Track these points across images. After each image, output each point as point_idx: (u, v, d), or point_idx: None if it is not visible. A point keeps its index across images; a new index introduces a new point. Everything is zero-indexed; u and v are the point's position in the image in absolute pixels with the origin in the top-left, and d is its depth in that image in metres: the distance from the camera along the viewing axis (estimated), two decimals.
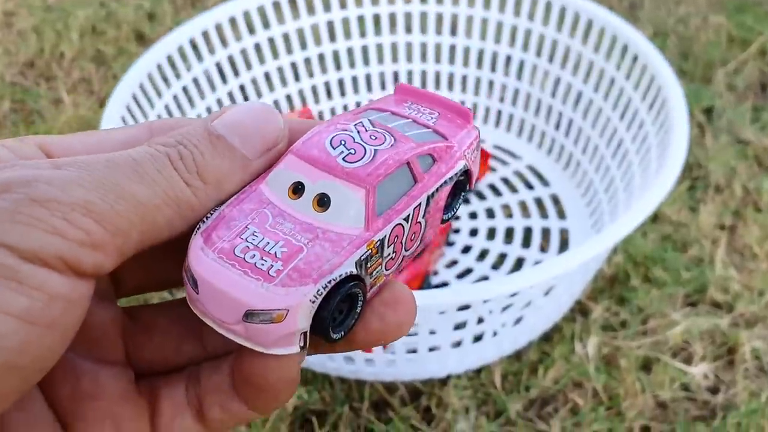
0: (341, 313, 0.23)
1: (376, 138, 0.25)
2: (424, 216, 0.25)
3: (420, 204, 0.25)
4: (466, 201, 0.89)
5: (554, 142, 0.93)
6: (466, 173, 0.27)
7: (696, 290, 0.80)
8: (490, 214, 0.88)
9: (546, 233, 0.85)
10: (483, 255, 0.83)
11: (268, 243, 0.22)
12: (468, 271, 0.82)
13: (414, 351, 0.66)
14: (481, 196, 0.90)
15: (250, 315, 0.21)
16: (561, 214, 0.87)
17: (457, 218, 0.87)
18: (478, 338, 0.67)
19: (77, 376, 0.23)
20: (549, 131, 0.93)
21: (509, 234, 0.85)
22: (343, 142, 0.24)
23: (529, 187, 0.91)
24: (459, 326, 0.63)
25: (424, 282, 0.77)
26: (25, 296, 0.17)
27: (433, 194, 0.25)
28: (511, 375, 0.72)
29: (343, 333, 0.23)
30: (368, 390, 0.71)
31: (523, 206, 0.89)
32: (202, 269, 0.22)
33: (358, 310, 0.23)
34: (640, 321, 0.76)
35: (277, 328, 0.21)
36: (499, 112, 0.97)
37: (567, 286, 0.67)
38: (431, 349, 0.66)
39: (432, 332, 0.64)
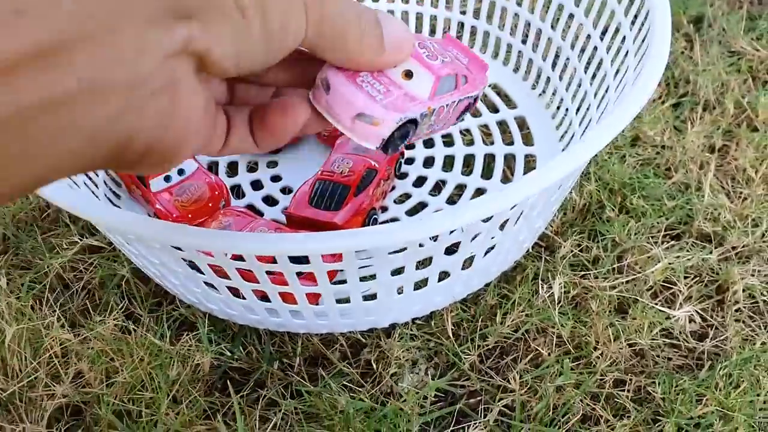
0: (399, 140, 0.39)
1: (442, 54, 0.41)
2: (453, 110, 0.42)
3: (453, 101, 0.42)
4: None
5: (521, 57, 0.81)
6: (475, 99, 0.45)
7: (681, 221, 0.70)
8: (448, 141, 0.77)
9: (510, 161, 0.75)
10: (438, 187, 0.73)
11: (375, 84, 0.36)
12: (421, 206, 0.71)
13: (347, 301, 0.56)
14: None
15: (360, 116, 0.36)
16: (527, 139, 0.76)
17: (412, 147, 0.76)
18: (422, 283, 0.57)
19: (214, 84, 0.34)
20: (515, 45, 0.81)
21: (468, 163, 0.75)
22: (425, 48, 0.40)
23: (493, 109, 0.80)
24: (397, 271, 0.53)
25: (367, 218, 0.67)
26: None
27: (460, 100, 0.42)
28: (466, 322, 0.62)
29: (392, 151, 0.39)
30: (302, 344, 0.61)
31: (486, 131, 0.78)
32: (336, 79, 0.35)
33: (406, 142, 0.40)
34: (615, 258, 0.66)
35: (372, 130, 0.37)
36: (461, 25, 0.85)
37: (527, 219, 0.57)
38: (367, 298, 0.56)
39: (365, 278, 0.54)
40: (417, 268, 0.53)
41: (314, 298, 0.56)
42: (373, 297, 0.56)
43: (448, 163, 0.75)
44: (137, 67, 0.22)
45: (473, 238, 0.53)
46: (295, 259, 0.49)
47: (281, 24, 0.26)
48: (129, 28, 0.22)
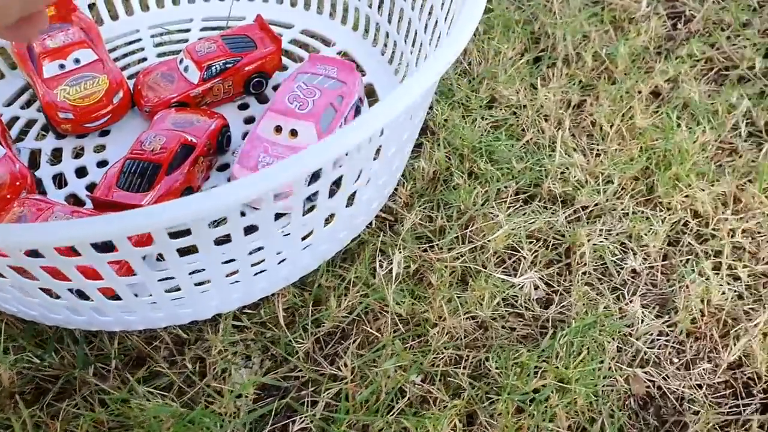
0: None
1: (311, 94, 0.63)
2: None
3: (341, 123, 0.63)
4: None
5: (369, 22, 0.76)
6: (360, 100, 0.67)
7: (531, 183, 0.66)
8: None
9: None
10: None
11: (267, 159, 0.60)
12: None
13: (150, 295, 0.51)
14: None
15: None
16: None
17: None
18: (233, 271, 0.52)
19: None
20: (362, 8, 0.76)
21: None
22: (295, 99, 0.62)
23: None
24: (186, 252, 0.48)
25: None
26: None
27: (346, 117, 0.64)
28: (300, 307, 0.58)
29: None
30: (121, 344, 0.56)
31: None
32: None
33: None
34: (460, 227, 0.62)
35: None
36: None
37: (350, 190, 0.52)
38: (170, 290, 0.51)
39: (162, 268, 0.49)
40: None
41: (111, 292, 0.51)
42: (174, 290, 0.51)
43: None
44: None
45: (282, 220, 0.48)
46: (68, 251, 0.44)
47: None
48: None
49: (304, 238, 0.53)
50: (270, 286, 0.57)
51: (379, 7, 0.74)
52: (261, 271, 0.53)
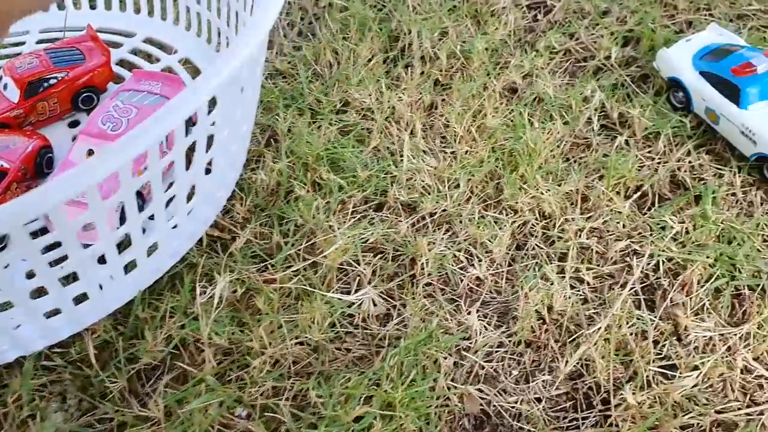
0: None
1: (126, 112, 0.59)
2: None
3: (162, 141, 0.56)
4: None
5: (210, 26, 0.72)
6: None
7: (378, 192, 0.62)
8: None
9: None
10: None
11: None
12: None
13: None
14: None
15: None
16: None
17: None
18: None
19: None
20: (204, 13, 0.72)
21: None
22: (108, 120, 0.58)
23: None
24: None
25: None
26: None
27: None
28: (112, 343, 0.53)
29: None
30: None
31: None
32: None
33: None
34: (298, 242, 0.58)
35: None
36: None
37: (159, 218, 0.48)
38: None
39: None
40: None
41: None
42: None
43: None
44: None
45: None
46: None
47: None
48: None
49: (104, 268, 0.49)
50: (71, 325, 0.52)
51: (218, 10, 0.70)
52: (54, 311, 0.48)
